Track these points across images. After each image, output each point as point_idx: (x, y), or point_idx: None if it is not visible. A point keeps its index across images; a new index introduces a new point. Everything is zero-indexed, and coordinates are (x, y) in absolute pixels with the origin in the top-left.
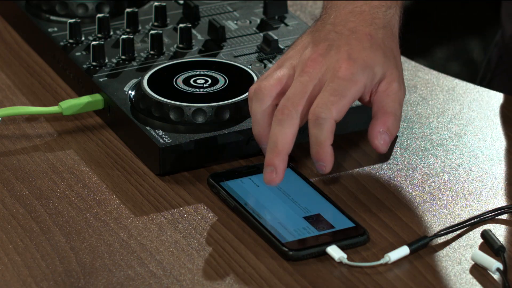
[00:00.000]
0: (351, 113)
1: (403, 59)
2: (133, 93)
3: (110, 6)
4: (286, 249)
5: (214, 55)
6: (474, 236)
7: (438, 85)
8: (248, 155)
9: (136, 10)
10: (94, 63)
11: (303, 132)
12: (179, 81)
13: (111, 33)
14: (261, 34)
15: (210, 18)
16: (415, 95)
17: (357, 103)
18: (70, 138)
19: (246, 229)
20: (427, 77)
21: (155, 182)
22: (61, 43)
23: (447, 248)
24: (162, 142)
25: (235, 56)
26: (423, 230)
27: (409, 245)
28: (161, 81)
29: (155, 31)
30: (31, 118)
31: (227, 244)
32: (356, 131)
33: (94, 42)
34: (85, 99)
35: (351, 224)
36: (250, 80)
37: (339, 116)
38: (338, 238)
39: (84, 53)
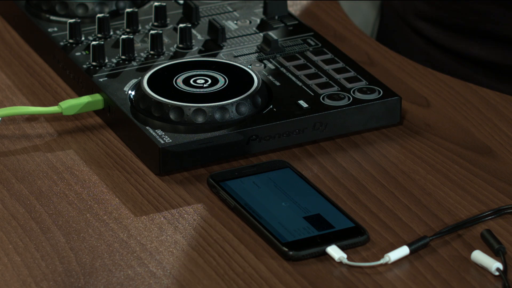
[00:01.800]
0: (351, 113)
1: (403, 59)
2: (133, 93)
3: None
4: (286, 249)
5: (214, 55)
6: (474, 236)
7: (438, 85)
8: (248, 155)
9: (136, 10)
10: (94, 63)
11: (303, 132)
12: (179, 81)
13: (111, 33)
14: (261, 34)
15: (210, 18)
16: (415, 95)
17: (357, 103)
18: (70, 138)
19: (246, 229)
20: (427, 77)
21: (155, 182)
22: (61, 43)
23: (447, 248)
24: (162, 142)
25: (235, 56)
26: (423, 230)
27: (409, 245)
28: (161, 81)
29: (155, 31)
30: (31, 118)
31: (227, 244)
32: (356, 131)
33: (94, 42)
34: (85, 99)
35: (351, 224)
36: (250, 80)
37: None
38: (338, 238)
39: (84, 53)
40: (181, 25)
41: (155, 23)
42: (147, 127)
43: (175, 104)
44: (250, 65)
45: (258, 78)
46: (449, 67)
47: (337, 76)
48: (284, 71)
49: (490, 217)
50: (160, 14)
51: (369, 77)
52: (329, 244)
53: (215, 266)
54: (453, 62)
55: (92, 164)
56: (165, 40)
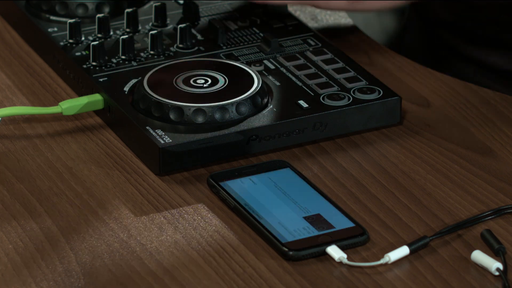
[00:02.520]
0: (351, 113)
1: (403, 59)
2: (133, 93)
3: (110, 6)
4: (286, 249)
5: (214, 55)
6: (474, 236)
7: (438, 85)
8: (248, 155)
9: (136, 10)
10: (94, 63)
11: (302, 132)
12: (179, 81)
13: (111, 33)
14: (261, 34)
15: (210, 18)
16: (415, 95)
17: (356, 103)
18: (70, 138)
19: (246, 229)
20: (427, 77)
21: (155, 182)
22: (61, 43)
23: (447, 248)
24: (162, 142)
25: (235, 56)
26: (423, 230)
27: (409, 245)
28: (161, 81)
29: (155, 31)
30: (31, 118)
31: (227, 244)
32: (356, 131)
33: (94, 42)
34: (85, 99)
35: (351, 224)
36: (250, 80)
37: None
38: (338, 238)
39: (84, 53)
40: (181, 25)
41: (155, 23)
42: (147, 127)
43: (175, 104)
44: (250, 65)
45: (258, 78)
46: (470, 76)
47: (337, 76)
48: (284, 71)
49: (490, 217)
50: (160, 14)
51: (369, 77)
52: (329, 244)
53: (215, 266)
54: (474, 71)
55: (92, 164)
56: (165, 40)
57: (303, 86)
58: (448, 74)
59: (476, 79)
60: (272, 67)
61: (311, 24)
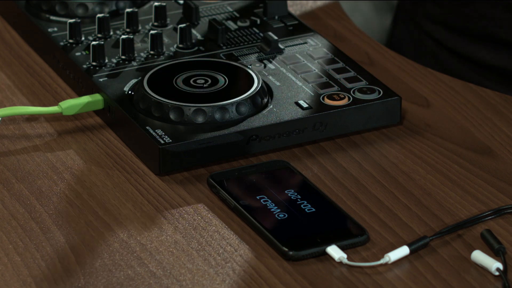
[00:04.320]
0: (351, 113)
1: (403, 59)
2: (133, 93)
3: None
4: (286, 249)
5: (214, 55)
6: (474, 236)
7: (438, 85)
8: (248, 155)
9: (136, 10)
10: (94, 63)
11: (303, 132)
12: (179, 81)
13: (111, 33)
14: (261, 34)
15: (210, 18)
16: (415, 95)
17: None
18: (70, 138)
19: (246, 229)
20: (427, 77)
21: (155, 182)
22: (61, 43)
23: (447, 248)
24: (162, 142)
25: (235, 56)
26: (423, 230)
27: (409, 245)
28: (161, 81)
29: (155, 31)
30: (31, 118)
31: (227, 244)
32: (356, 131)
33: (94, 42)
34: (85, 99)
35: (351, 224)
36: (250, 80)
37: None
38: (338, 238)
39: (84, 53)
40: (181, 25)
41: (155, 23)
42: (147, 127)
43: (175, 104)
44: (250, 65)
45: (258, 78)
46: (458, 71)
47: (337, 76)
48: (284, 71)
49: (490, 217)
50: (160, 14)
51: (369, 77)
52: (329, 244)
53: (215, 266)
54: (462, 66)
55: (92, 164)
56: (165, 40)
57: (303, 86)
58: (437, 70)
59: (466, 75)
60: (272, 67)
61: (311, 24)
